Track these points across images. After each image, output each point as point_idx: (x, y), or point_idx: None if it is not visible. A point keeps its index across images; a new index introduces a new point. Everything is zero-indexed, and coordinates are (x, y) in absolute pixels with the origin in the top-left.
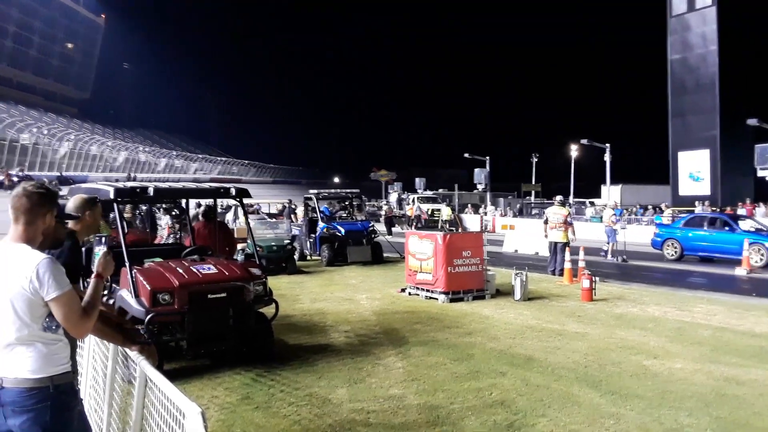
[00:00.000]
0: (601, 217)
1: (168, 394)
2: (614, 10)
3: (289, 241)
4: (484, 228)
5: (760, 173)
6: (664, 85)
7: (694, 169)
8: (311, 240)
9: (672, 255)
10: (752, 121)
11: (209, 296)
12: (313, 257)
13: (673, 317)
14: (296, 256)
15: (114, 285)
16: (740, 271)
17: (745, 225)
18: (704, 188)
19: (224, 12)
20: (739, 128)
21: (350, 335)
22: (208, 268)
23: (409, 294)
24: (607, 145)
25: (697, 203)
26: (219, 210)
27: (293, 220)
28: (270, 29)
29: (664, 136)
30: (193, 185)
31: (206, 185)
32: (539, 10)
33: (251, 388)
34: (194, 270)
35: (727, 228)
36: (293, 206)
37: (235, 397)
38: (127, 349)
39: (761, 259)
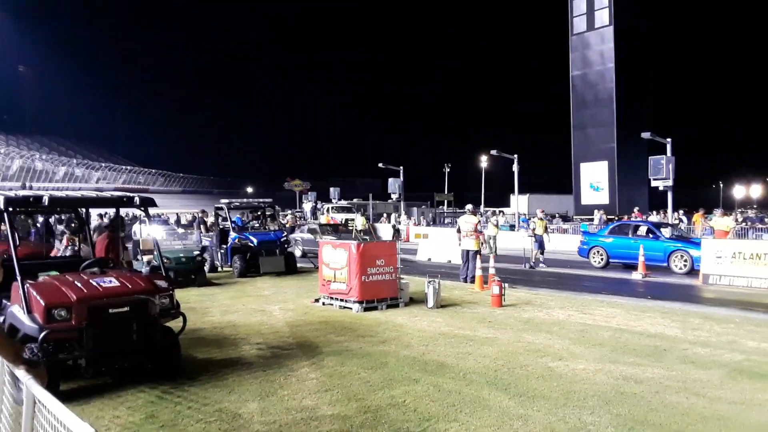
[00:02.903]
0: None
1: (59, 416)
2: (522, 28)
3: (198, 253)
4: (397, 237)
5: (653, 183)
6: (567, 100)
7: (595, 180)
8: (222, 251)
9: (598, 263)
10: (646, 135)
11: (110, 311)
12: (225, 269)
13: (576, 320)
14: (206, 268)
15: (5, 301)
16: (636, 276)
17: (666, 232)
18: (604, 198)
19: (132, 16)
20: (635, 141)
21: (262, 347)
22: (110, 281)
23: (323, 304)
24: (516, 156)
25: (595, 212)
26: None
27: (204, 230)
28: (180, 35)
29: (568, 148)
30: (93, 194)
31: (108, 194)
32: (451, 26)
33: (156, 406)
34: (94, 283)
35: (651, 236)
36: (204, 216)
37: (139, 416)
38: (15, 370)
39: (685, 266)
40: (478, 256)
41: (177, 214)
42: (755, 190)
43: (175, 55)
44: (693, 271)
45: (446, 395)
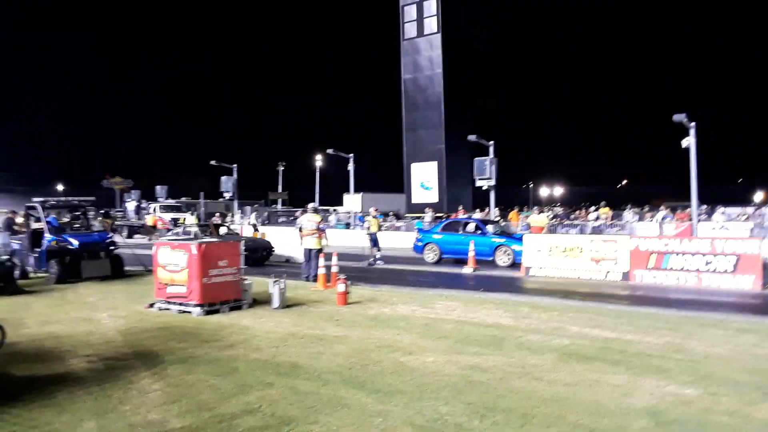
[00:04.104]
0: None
1: None
2: (358, 29)
3: (7, 257)
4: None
5: (478, 183)
6: (400, 102)
7: (425, 179)
8: (36, 255)
9: (432, 259)
10: (472, 137)
11: None
12: (38, 275)
13: (420, 315)
14: (17, 274)
15: None
16: (467, 270)
17: (491, 228)
18: (433, 196)
19: None
20: (461, 143)
21: (93, 360)
22: None
23: (160, 309)
24: (351, 155)
25: (426, 210)
26: None
27: (12, 232)
28: None
29: (401, 149)
30: None
31: None
32: (285, 25)
33: None
34: None
35: (479, 232)
36: (13, 217)
37: None
38: None
39: (508, 260)
40: (320, 254)
41: None
42: (557, 191)
43: None
44: (515, 264)
45: (303, 397)
